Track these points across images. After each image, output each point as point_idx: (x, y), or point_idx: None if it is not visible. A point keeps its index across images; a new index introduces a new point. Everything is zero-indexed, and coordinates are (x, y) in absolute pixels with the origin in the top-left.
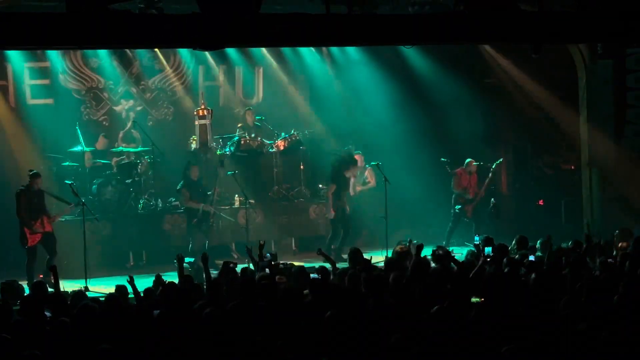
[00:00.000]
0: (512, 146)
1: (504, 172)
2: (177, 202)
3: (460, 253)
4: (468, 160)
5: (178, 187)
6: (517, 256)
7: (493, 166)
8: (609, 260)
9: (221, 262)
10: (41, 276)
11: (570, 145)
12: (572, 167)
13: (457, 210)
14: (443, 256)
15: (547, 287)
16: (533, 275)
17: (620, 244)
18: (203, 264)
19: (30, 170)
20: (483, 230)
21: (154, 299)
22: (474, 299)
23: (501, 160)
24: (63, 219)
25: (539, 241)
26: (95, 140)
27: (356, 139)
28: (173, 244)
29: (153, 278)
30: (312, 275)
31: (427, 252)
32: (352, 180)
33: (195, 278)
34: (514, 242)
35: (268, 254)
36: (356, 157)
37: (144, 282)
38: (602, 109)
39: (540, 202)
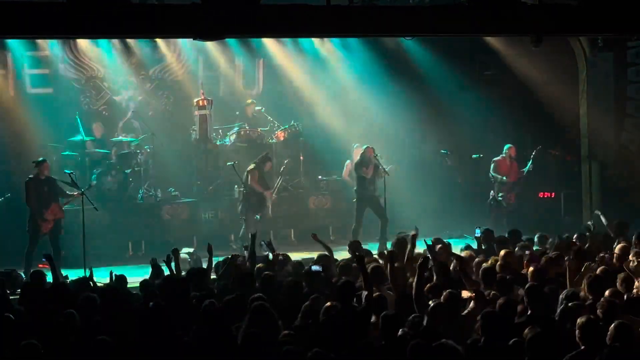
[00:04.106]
0: (512, 138)
1: None
2: (176, 193)
3: (459, 246)
4: (508, 146)
5: (250, 168)
6: (515, 249)
7: (533, 153)
8: (606, 255)
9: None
10: (42, 265)
11: (571, 137)
12: (569, 158)
13: (499, 198)
14: (440, 249)
15: (545, 281)
16: (530, 269)
17: (618, 241)
18: (208, 254)
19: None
20: (482, 222)
21: (152, 289)
22: (465, 294)
23: (540, 147)
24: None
25: (536, 235)
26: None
27: (356, 130)
28: (172, 234)
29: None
30: (313, 268)
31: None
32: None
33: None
34: (506, 235)
35: (263, 243)
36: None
37: (142, 272)
38: (603, 102)
39: (550, 194)
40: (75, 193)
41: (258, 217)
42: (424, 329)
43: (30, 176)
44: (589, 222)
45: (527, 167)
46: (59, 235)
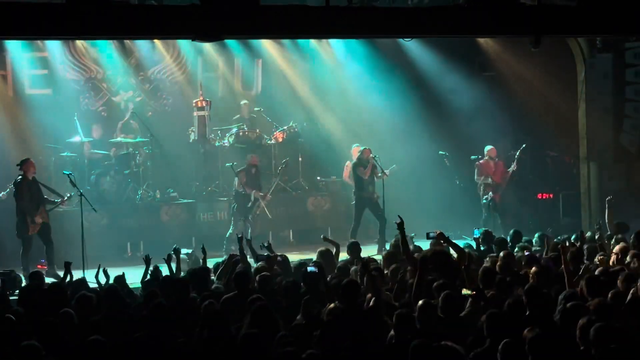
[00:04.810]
0: (511, 139)
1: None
2: (175, 194)
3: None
4: (488, 147)
5: (238, 169)
6: (515, 250)
7: (517, 153)
8: (604, 256)
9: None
10: (40, 266)
11: (569, 138)
12: (571, 160)
13: (484, 201)
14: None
15: (545, 281)
16: (532, 270)
17: (616, 241)
18: (203, 255)
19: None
20: (480, 223)
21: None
22: (465, 292)
23: (524, 145)
24: (61, 209)
25: (536, 235)
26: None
27: (355, 130)
28: (171, 235)
29: (151, 268)
30: (309, 269)
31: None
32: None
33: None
34: (508, 236)
35: (262, 245)
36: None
37: (141, 273)
38: (601, 103)
39: (549, 195)
40: (58, 200)
41: (250, 217)
42: (417, 330)
43: (20, 177)
44: (597, 225)
45: (511, 167)
46: (49, 235)
